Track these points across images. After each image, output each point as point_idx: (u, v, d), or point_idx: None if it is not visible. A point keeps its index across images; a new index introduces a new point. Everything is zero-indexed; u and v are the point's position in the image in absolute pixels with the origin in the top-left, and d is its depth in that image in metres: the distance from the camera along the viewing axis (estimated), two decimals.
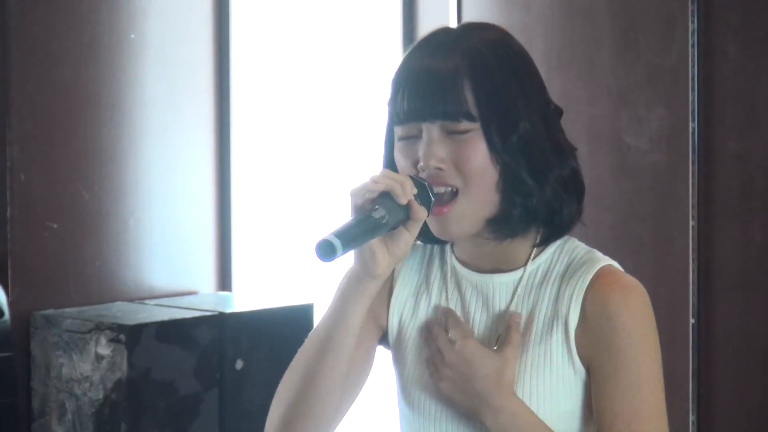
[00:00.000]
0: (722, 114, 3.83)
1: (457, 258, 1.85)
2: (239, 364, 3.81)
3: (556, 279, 1.77)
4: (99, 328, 3.67)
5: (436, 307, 1.77)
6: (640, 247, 4.03)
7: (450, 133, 1.72)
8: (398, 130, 1.76)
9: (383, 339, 1.91)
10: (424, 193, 1.71)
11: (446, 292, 1.85)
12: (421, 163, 1.72)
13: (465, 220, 1.73)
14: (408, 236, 1.70)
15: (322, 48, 4.63)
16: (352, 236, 1.63)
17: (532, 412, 1.71)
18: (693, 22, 3.83)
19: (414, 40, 4.83)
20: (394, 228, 1.69)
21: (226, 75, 4.50)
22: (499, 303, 1.80)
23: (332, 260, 1.61)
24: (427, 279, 1.88)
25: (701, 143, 3.85)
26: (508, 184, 1.72)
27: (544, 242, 1.80)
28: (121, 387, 3.61)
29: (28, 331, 3.87)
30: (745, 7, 3.79)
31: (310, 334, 1.77)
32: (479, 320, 1.81)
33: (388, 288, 1.89)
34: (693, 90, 3.84)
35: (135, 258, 4.18)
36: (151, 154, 4.22)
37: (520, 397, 1.73)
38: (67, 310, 3.91)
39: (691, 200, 3.86)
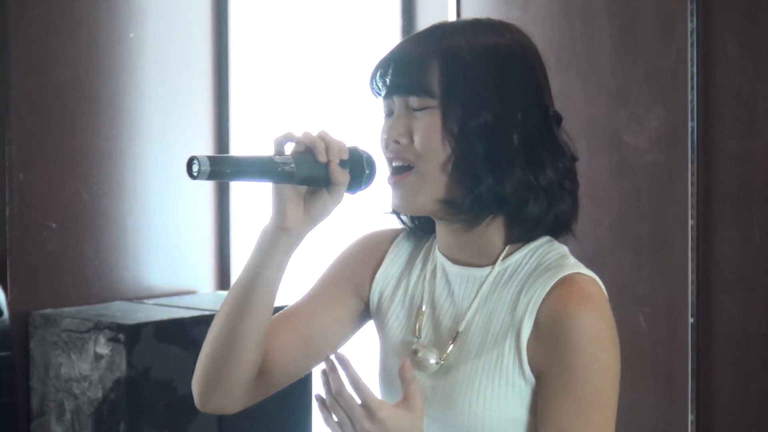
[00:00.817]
0: (721, 113, 3.83)
1: (439, 248, 1.85)
2: None
3: (519, 282, 1.75)
4: (98, 327, 3.67)
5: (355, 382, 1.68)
6: (639, 247, 4.03)
7: (414, 111, 1.74)
8: (382, 107, 1.81)
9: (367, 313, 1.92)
10: (357, 163, 1.74)
11: (423, 279, 1.85)
12: (384, 136, 1.77)
13: (416, 194, 1.74)
14: (328, 199, 1.74)
15: (320, 46, 4.63)
16: (234, 164, 1.65)
17: None
18: (692, 21, 3.83)
19: None
20: (308, 184, 1.72)
21: (225, 74, 4.50)
22: (464, 298, 1.80)
23: (197, 178, 1.63)
24: (412, 264, 1.88)
25: (700, 143, 3.85)
26: (459, 168, 1.72)
27: (516, 240, 1.78)
28: (120, 386, 3.61)
29: (27, 330, 3.86)
30: (745, 7, 3.79)
31: (231, 288, 1.81)
32: (444, 312, 1.82)
33: (376, 262, 1.90)
34: (692, 89, 3.84)
35: (134, 257, 4.18)
36: (150, 154, 4.22)
37: (470, 400, 1.72)
38: (66, 309, 3.91)
39: (690, 200, 3.85)
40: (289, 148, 1.74)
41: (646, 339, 4.01)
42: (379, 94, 1.80)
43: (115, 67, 4.13)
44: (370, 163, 1.75)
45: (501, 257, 1.78)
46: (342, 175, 1.72)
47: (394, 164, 1.75)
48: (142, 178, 4.19)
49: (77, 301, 4.00)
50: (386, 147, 1.77)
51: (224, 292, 4.45)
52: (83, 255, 4.05)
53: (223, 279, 4.50)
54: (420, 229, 1.89)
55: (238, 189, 4.53)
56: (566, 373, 1.67)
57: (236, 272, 4.61)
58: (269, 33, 4.66)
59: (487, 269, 1.78)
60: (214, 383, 1.82)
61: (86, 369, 3.69)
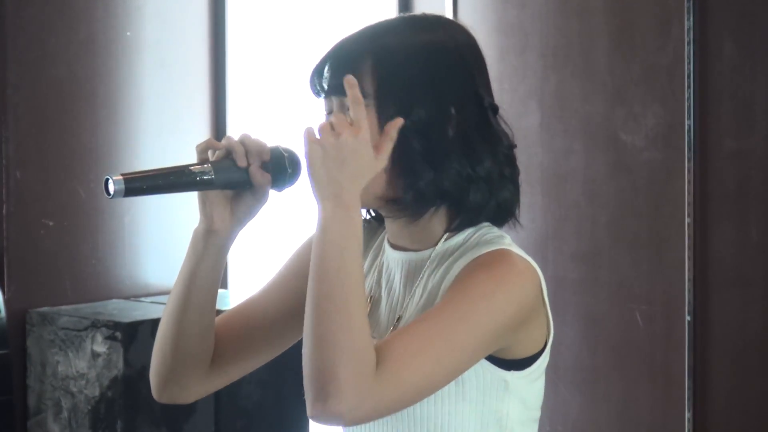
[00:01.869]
0: (718, 111, 3.83)
1: (387, 238, 1.87)
2: None
3: (452, 261, 1.76)
4: (95, 325, 3.67)
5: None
6: (635, 245, 4.03)
7: (349, 109, 1.74)
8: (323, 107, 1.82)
9: None
10: (279, 163, 1.76)
11: (374, 270, 1.88)
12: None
13: None
14: (253, 200, 1.78)
15: (317, 45, 4.63)
16: (150, 180, 1.70)
17: (358, 235, 1.65)
18: (688, 19, 3.83)
19: None
20: (231, 188, 1.76)
21: (222, 72, 4.50)
22: (405, 282, 1.82)
23: (113, 197, 1.67)
24: (366, 255, 1.90)
25: (697, 141, 3.85)
26: (398, 166, 1.73)
27: (457, 228, 1.79)
28: (117, 384, 3.61)
29: (24, 328, 3.87)
30: (741, 6, 3.79)
31: (173, 285, 1.85)
32: (388, 299, 1.83)
33: None
34: (688, 88, 3.84)
35: (131, 255, 4.18)
36: (147, 152, 4.22)
37: None
38: (63, 307, 3.91)
39: (686, 197, 3.86)
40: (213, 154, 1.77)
41: (643, 337, 4.01)
42: (314, 93, 1.81)
43: (112, 65, 4.13)
44: (293, 162, 1.77)
45: (442, 241, 1.79)
46: (262, 177, 1.75)
47: None
48: None
49: (74, 299, 4.00)
50: None
51: (221, 291, 4.45)
52: (80, 253, 4.05)
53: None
54: (375, 220, 1.92)
55: None
56: (448, 293, 1.67)
57: (232, 270, 4.62)
58: (266, 31, 4.66)
59: (427, 252, 1.80)
60: (166, 376, 1.86)
61: (83, 367, 3.69)
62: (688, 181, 3.85)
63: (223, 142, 1.76)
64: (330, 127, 1.65)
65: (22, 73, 3.88)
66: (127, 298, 4.14)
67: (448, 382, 1.66)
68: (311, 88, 1.81)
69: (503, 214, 1.81)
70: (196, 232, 1.81)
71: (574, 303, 4.16)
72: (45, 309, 3.87)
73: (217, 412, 3.84)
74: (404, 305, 1.81)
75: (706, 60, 3.84)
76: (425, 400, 1.70)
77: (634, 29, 4.01)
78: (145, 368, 3.66)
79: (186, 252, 1.82)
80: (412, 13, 1.86)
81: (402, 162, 1.73)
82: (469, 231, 1.80)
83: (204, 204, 1.78)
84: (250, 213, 1.80)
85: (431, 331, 1.62)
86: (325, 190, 1.64)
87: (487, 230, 1.80)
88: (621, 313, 4.06)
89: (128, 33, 4.17)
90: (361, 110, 1.66)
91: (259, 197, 1.78)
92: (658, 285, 3.97)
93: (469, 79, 1.80)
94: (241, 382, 3.85)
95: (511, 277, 1.69)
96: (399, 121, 1.70)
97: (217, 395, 3.82)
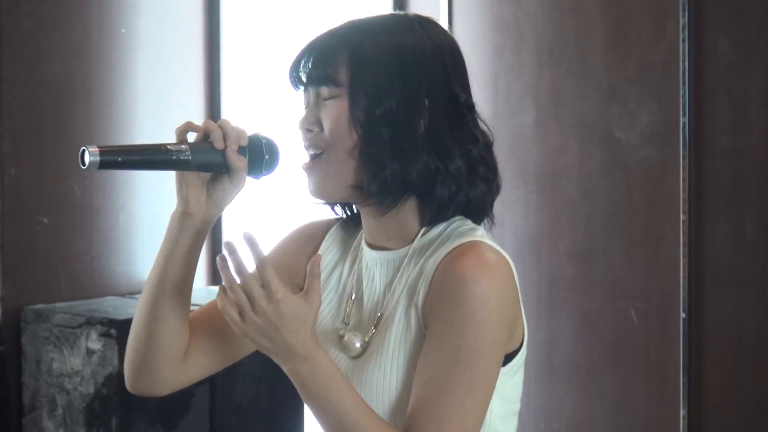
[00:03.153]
0: (713, 109, 3.83)
1: (364, 237, 1.90)
2: None
3: (427, 257, 1.80)
4: (90, 322, 3.67)
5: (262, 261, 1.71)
6: (630, 242, 4.03)
7: (324, 100, 1.80)
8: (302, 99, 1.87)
9: None
10: (257, 149, 1.80)
11: (354, 270, 1.90)
12: (298, 125, 1.83)
13: (325, 179, 1.81)
14: (229, 185, 1.81)
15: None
16: (126, 154, 1.72)
17: (333, 365, 1.71)
18: (684, 17, 3.84)
19: None
20: (206, 170, 1.78)
21: (216, 69, 4.50)
22: (384, 280, 1.85)
23: (87, 168, 1.68)
24: (344, 255, 1.94)
25: (692, 138, 3.85)
26: (365, 154, 1.77)
27: (430, 222, 1.82)
28: (111, 381, 3.61)
29: (18, 325, 3.86)
30: (736, 3, 3.79)
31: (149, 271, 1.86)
32: (368, 298, 1.86)
33: (311, 252, 1.95)
34: (684, 85, 3.85)
35: (126, 253, 4.18)
36: None
37: (384, 373, 1.77)
38: (58, 304, 3.91)
39: (682, 195, 3.86)
40: (192, 137, 1.81)
41: (638, 334, 4.01)
42: (293, 85, 1.86)
43: (107, 62, 4.13)
44: (271, 148, 1.81)
45: (418, 237, 1.82)
46: (238, 161, 1.78)
47: (310, 152, 1.82)
48: (134, 173, 4.18)
49: (69, 297, 4.00)
50: (302, 136, 1.84)
51: (216, 288, 4.45)
52: (75, 250, 4.04)
53: (214, 274, 4.50)
54: (352, 220, 1.94)
55: None
56: (445, 326, 1.71)
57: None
58: (261, 28, 4.66)
59: (404, 250, 1.83)
60: (139, 366, 1.88)
61: (78, 364, 3.69)
62: (683, 179, 3.85)
63: (203, 124, 1.80)
64: (249, 307, 1.66)
65: (16, 70, 3.88)
66: (122, 295, 4.14)
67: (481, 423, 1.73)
68: (290, 81, 1.86)
69: (475, 210, 1.83)
70: (172, 215, 1.83)
71: (569, 300, 4.16)
72: (40, 306, 3.87)
73: (212, 408, 3.84)
74: (385, 303, 1.83)
75: (701, 57, 3.84)
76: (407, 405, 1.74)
77: (629, 26, 4.02)
78: None
79: (163, 238, 1.84)
80: (394, 12, 1.90)
81: (369, 151, 1.77)
82: (442, 225, 1.83)
83: (181, 186, 1.81)
84: (226, 197, 1.82)
85: (453, 398, 1.68)
86: (280, 356, 1.68)
87: (459, 223, 1.83)
88: (616, 310, 4.07)
89: (123, 30, 4.17)
90: (268, 271, 1.66)
91: (236, 182, 1.81)
92: (653, 282, 3.97)
93: (443, 76, 1.82)
94: (237, 378, 3.85)
95: (503, 301, 1.72)
96: (318, 258, 1.73)
97: (212, 392, 3.82)
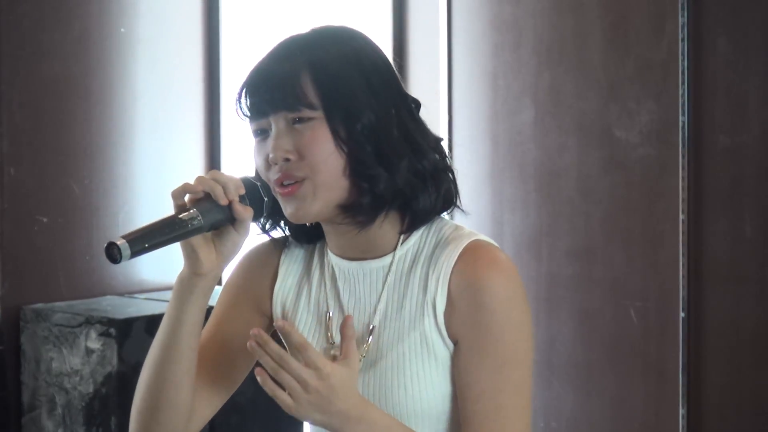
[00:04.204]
0: (712, 107, 3.83)
1: (331, 250, 1.88)
2: None
3: (424, 263, 1.80)
4: (89, 322, 3.67)
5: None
6: (630, 241, 4.03)
7: (295, 124, 1.76)
8: (251, 127, 1.82)
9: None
10: (255, 194, 1.78)
11: (324, 284, 1.88)
12: (271, 156, 1.77)
13: (312, 203, 1.76)
14: (236, 236, 1.77)
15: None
16: (149, 239, 1.71)
17: (385, 414, 1.73)
18: (683, 16, 3.84)
19: (404, 34, 4.84)
20: (215, 228, 1.75)
21: (216, 69, 4.50)
22: (370, 291, 1.84)
23: (120, 262, 1.67)
24: (308, 271, 1.92)
25: (691, 137, 3.86)
26: (355, 171, 1.75)
27: (410, 228, 1.82)
28: (111, 381, 3.61)
29: (18, 325, 3.86)
30: (735, 2, 3.79)
31: (155, 336, 1.83)
32: (353, 311, 1.85)
33: (271, 277, 1.94)
34: (683, 84, 3.85)
35: None
36: (141, 148, 4.22)
37: (405, 384, 1.77)
38: (57, 304, 3.91)
39: (681, 194, 3.86)
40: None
41: (637, 333, 4.01)
42: (248, 116, 1.82)
43: (107, 61, 4.13)
44: (267, 190, 1.79)
45: (399, 244, 1.82)
46: (246, 211, 1.76)
47: (284, 183, 1.77)
48: (133, 172, 4.18)
49: (68, 296, 3.99)
50: (270, 167, 1.78)
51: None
52: (74, 249, 4.04)
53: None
54: (299, 237, 1.92)
55: None
56: (482, 335, 1.73)
57: (227, 267, 4.60)
58: (260, 28, 4.66)
59: (387, 258, 1.83)
60: (149, 425, 1.87)
61: (77, 363, 3.69)
62: (682, 178, 3.86)
63: (196, 184, 1.75)
64: (302, 390, 1.67)
65: (15, 70, 3.88)
66: (121, 294, 4.14)
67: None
68: (242, 111, 1.82)
69: (447, 205, 1.84)
70: (181, 277, 1.79)
71: (568, 299, 4.16)
72: (39, 305, 3.87)
73: None
74: (376, 313, 1.82)
75: (700, 56, 3.84)
76: (415, 391, 1.77)
77: (628, 25, 4.02)
78: (140, 364, 3.65)
79: (171, 299, 1.80)
80: (323, 26, 1.86)
81: (358, 168, 1.75)
82: (422, 229, 1.83)
83: (192, 251, 1.77)
84: (234, 248, 1.79)
85: (509, 402, 1.73)
86: (336, 425, 1.69)
87: (439, 223, 1.84)
88: (615, 309, 4.07)
89: (122, 29, 4.17)
90: (312, 351, 1.66)
91: (242, 231, 1.78)
92: (653, 281, 3.98)
93: (395, 80, 1.82)
94: None
95: (517, 288, 1.76)
96: (350, 318, 1.73)
97: None
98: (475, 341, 1.73)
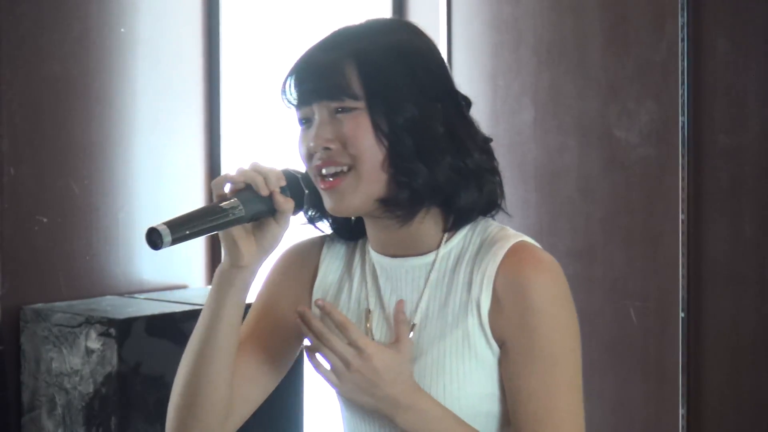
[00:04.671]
0: (712, 108, 3.83)
1: (372, 247, 1.87)
2: None
3: (468, 262, 1.79)
4: (89, 322, 3.67)
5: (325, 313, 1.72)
6: (629, 241, 4.03)
7: (337, 114, 1.75)
8: (297, 115, 1.81)
9: None
10: (295, 186, 1.76)
11: (366, 281, 1.87)
12: (311, 144, 1.76)
13: (353, 196, 1.75)
14: (277, 227, 1.75)
15: (311, 42, 4.63)
16: (190, 226, 1.68)
17: (438, 404, 1.72)
18: (682, 16, 3.84)
19: None
20: (255, 219, 1.73)
21: (216, 69, 4.50)
22: (412, 288, 1.82)
23: (161, 248, 1.67)
24: (349, 268, 1.90)
25: (691, 137, 3.86)
26: (395, 165, 1.74)
27: (454, 227, 1.81)
28: (111, 381, 3.61)
29: (18, 325, 3.86)
30: (734, 2, 3.79)
31: (194, 331, 1.81)
32: (392, 306, 1.83)
33: (311, 274, 1.93)
34: (682, 84, 3.85)
35: (125, 252, 4.18)
36: (142, 148, 4.22)
37: (444, 383, 1.76)
38: (57, 304, 3.90)
39: (680, 194, 3.86)
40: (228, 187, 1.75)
41: (637, 333, 4.01)
42: (293, 104, 1.81)
43: (106, 61, 4.13)
44: (308, 182, 1.78)
45: (443, 242, 1.81)
46: (286, 203, 1.74)
47: (324, 171, 1.76)
48: (133, 172, 4.18)
49: (68, 296, 3.99)
50: (312, 155, 1.77)
51: None
52: (74, 249, 4.04)
53: (213, 274, 4.50)
54: (341, 232, 1.91)
55: None
56: (531, 337, 1.72)
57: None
58: (260, 27, 4.66)
59: (431, 256, 1.82)
60: (186, 423, 1.87)
61: (77, 363, 3.69)
62: (682, 178, 3.86)
63: (237, 174, 1.73)
64: (344, 368, 1.68)
65: (15, 70, 3.88)
66: (121, 294, 4.14)
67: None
68: (287, 98, 1.82)
69: (491, 207, 1.83)
70: (221, 270, 1.78)
71: None
72: (39, 305, 3.87)
73: None
74: (417, 310, 1.81)
75: (700, 56, 3.84)
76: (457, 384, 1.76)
77: (627, 26, 4.02)
78: (140, 364, 3.66)
79: (210, 293, 1.79)
80: (376, 18, 1.86)
81: (399, 161, 1.74)
82: (467, 228, 1.82)
83: (233, 243, 1.74)
84: (274, 241, 1.77)
85: (562, 403, 1.74)
86: (386, 410, 1.70)
87: (484, 224, 1.83)
88: (615, 309, 4.07)
89: (122, 29, 4.17)
90: (353, 330, 1.68)
91: (283, 223, 1.76)
92: (652, 281, 3.98)
93: (444, 75, 1.81)
94: None
95: (563, 288, 1.79)
96: (401, 303, 1.75)
97: None
98: (523, 343, 1.73)
